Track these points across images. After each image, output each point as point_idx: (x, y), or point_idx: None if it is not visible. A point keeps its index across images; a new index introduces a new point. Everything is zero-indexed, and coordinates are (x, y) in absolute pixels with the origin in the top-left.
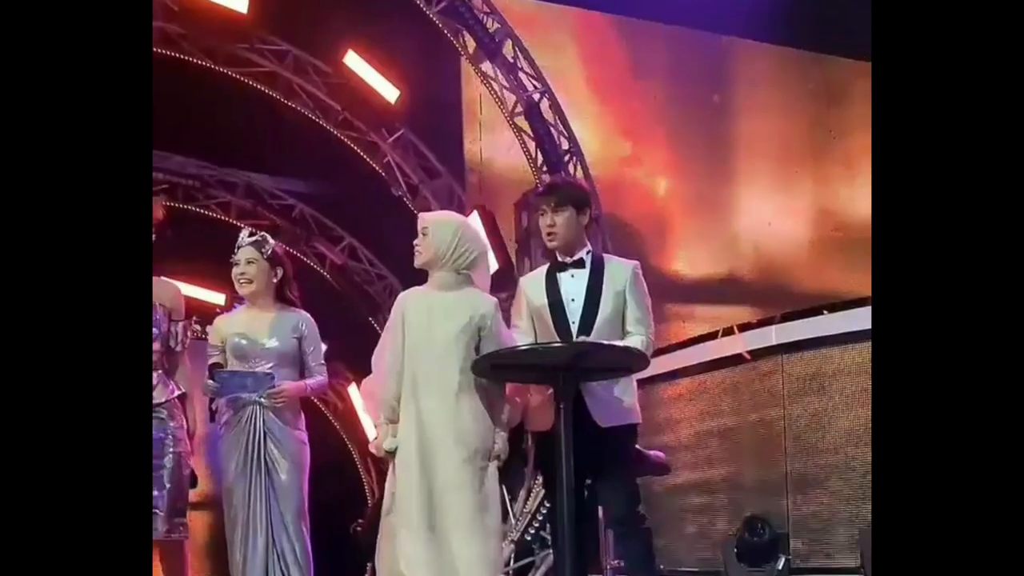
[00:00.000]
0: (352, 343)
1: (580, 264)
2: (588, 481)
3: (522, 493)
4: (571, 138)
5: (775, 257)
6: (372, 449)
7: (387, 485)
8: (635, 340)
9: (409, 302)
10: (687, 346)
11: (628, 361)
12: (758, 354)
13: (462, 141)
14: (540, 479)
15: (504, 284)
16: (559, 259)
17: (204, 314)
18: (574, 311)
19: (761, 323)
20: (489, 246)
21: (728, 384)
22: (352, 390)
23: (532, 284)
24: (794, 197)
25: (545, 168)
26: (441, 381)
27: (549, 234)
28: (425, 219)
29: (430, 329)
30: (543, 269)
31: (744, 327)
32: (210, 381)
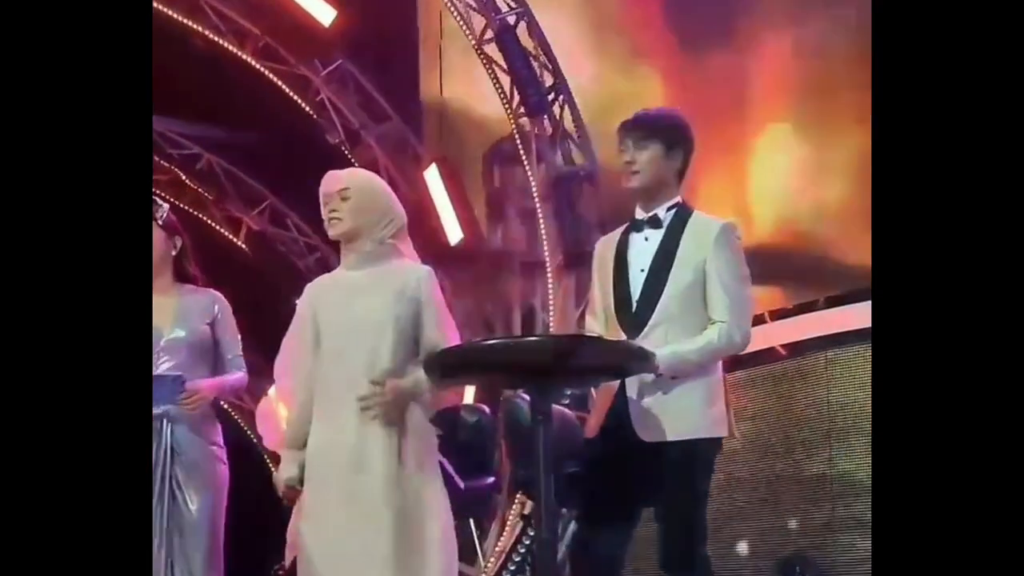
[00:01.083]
0: (274, 332)
1: (656, 223)
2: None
3: (493, 527)
4: (556, 72)
5: (815, 224)
6: (276, 485)
7: (289, 531)
8: (710, 332)
9: (319, 293)
10: None
11: (625, 361)
12: (796, 348)
13: (417, 75)
14: (515, 507)
15: (470, 257)
16: (636, 213)
17: None
18: (638, 285)
19: (799, 309)
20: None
21: (758, 386)
22: (275, 392)
23: (604, 247)
24: (836, 147)
25: (523, 110)
26: (370, 376)
27: (628, 172)
28: (342, 179)
29: (350, 316)
30: (621, 228)
31: (777, 314)
32: None
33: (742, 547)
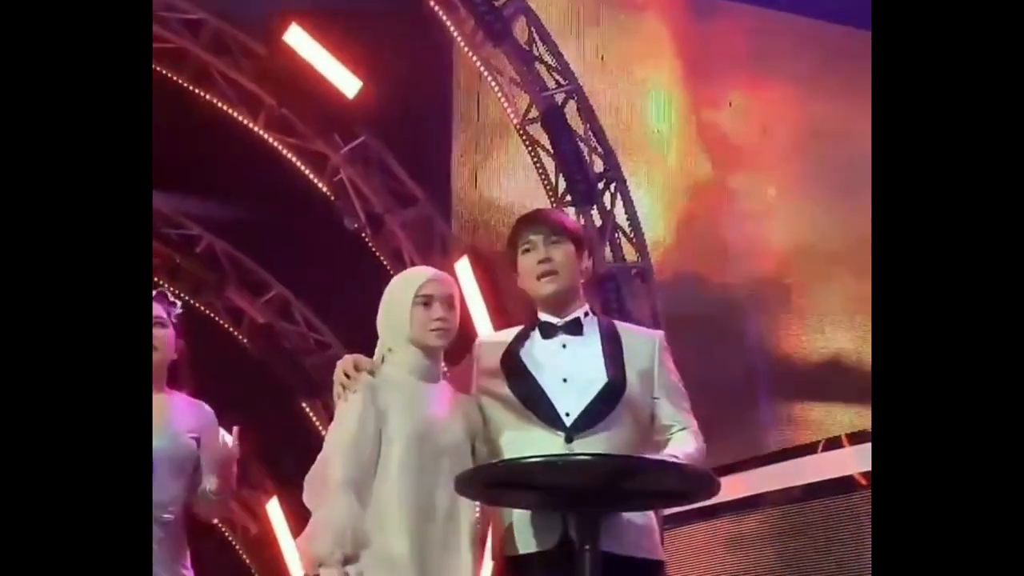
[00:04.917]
0: (276, 438)
1: (575, 328)
2: None
3: None
4: (608, 156)
5: None
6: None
7: None
8: (683, 439)
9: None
10: (771, 462)
11: (688, 484)
12: None
13: (450, 156)
14: None
15: None
16: (544, 318)
17: None
18: (567, 396)
19: None
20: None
21: (831, 521)
22: (272, 507)
23: (491, 351)
24: None
25: (569, 199)
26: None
27: (545, 273)
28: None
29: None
30: (509, 333)
31: (857, 437)
32: None
33: None
